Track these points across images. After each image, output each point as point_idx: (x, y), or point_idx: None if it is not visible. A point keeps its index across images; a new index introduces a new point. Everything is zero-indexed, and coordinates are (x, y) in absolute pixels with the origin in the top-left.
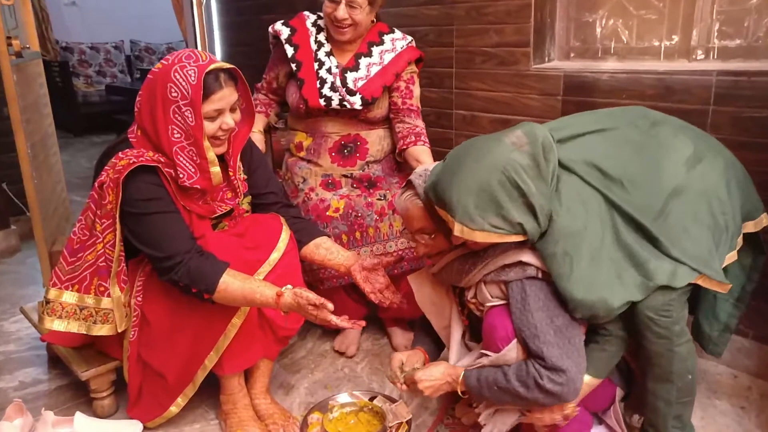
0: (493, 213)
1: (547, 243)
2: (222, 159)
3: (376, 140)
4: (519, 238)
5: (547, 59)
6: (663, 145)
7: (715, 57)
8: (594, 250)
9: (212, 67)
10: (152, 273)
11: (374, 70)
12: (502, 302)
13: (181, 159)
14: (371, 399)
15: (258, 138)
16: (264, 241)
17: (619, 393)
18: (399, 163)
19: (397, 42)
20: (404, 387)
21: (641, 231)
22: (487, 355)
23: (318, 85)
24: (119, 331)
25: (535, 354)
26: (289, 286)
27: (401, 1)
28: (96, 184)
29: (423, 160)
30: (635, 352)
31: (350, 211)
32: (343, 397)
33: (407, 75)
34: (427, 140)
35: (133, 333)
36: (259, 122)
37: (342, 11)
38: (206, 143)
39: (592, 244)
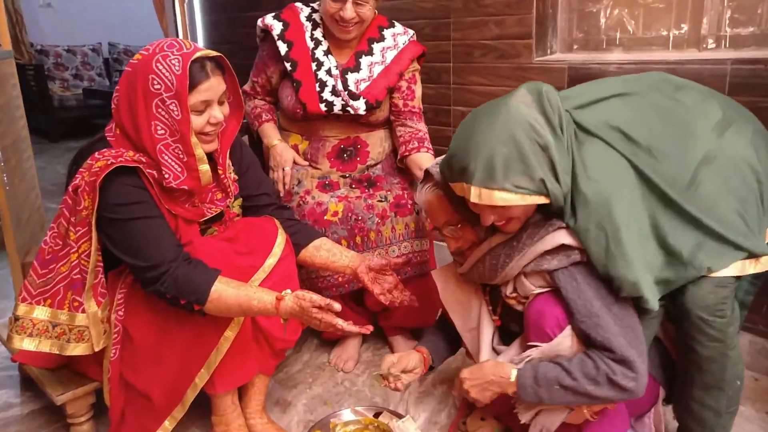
0: (516, 170)
1: (578, 218)
2: (210, 158)
3: (377, 142)
4: (542, 200)
5: (549, 51)
6: (690, 110)
7: (727, 45)
8: (628, 221)
9: (198, 55)
10: (134, 284)
11: (377, 70)
12: (548, 289)
13: (166, 158)
14: (376, 415)
15: (292, 153)
16: (258, 246)
17: (661, 393)
18: (400, 161)
19: (398, 37)
20: (393, 385)
21: (672, 206)
22: (535, 346)
23: (318, 89)
24: (96, 350)
25: (600, 345)
26: (289, 291)
27: None
28: (70, 189)
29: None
30: (680, 357)
31: (350, 214)
32: (346, 414)
33: (409, 74)
34: (430, 146)
35: (114, 351)
36: (274, 132)
37: (350, 11)
38: (194, 139)
39: (625, 214)
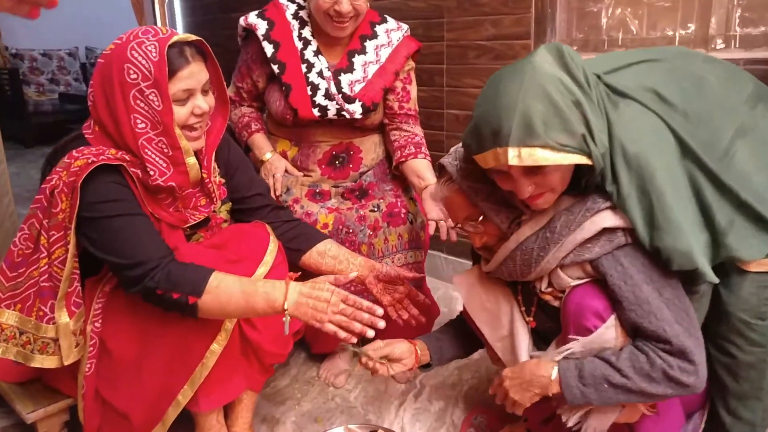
0: (555, 126)
1: (620, 183)
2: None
3: (370, 147)
4: (584, 160)
5: None
6: (721, 80)
7: (737, 46)
8: (672, 186)
9: (175, 39)
10: (113, 293)
11: (371, 70)
12: (587, 279)
13: (150, 153)
14: None
15: (285, 163)
16: (248, 254)
17: None
18: (393, 167)
19: (392, 34)
20: (369, 365)
21: (709, 175)
22: (575, 340)
23: (309, 92)
24: (66, 363)
25: (654, 336)
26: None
27: None
28: (46, 189)
29: (425, 176)
30: (712, 363)
31: (340, 227)
32: None
33: (404, 74)
34: (427, 152)
35: (89, 366)
36: (265, 143)
37: (346, 4)
38: (178, 130)
39: (668, 178)
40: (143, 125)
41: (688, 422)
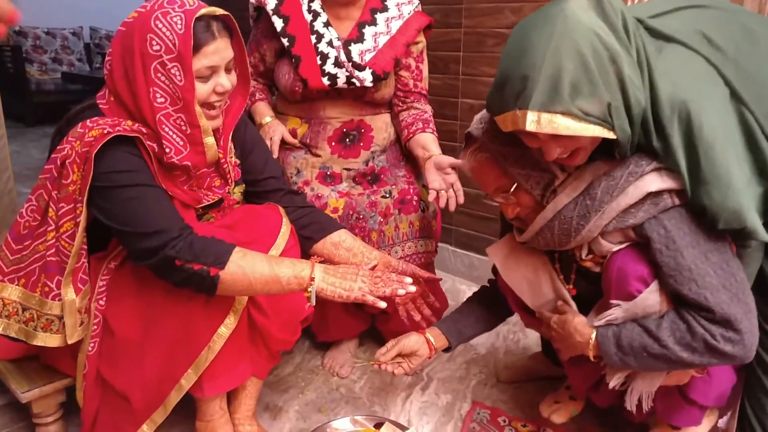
0: (584, 91)
1: (665, 137)
2: None
3: (382, 126)
4: (604, 132)
5: None
6: None
7: None
8: (723, 138)
9: (202, 12)
10: (119, 270)
11: (382, 40)
12: (627, 244)
13: (167, 130)
14: (377, 426)
15: (283, 128)
16: (260, 236)
17: None
18: (405, 153)
19: (403, 7)
20: (390, 370)
21: (762, 127)
22: (617, 305)
23: (319, 62)
24: (70, 342)
25: (695, 304)
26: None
27: None
28: (56, 159)
29: (431, 148)
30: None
31: (351, 212)
32: (344, 424)
33: (417, 51)
34: (434, 128)
35: (92, 345)
36: (267, 110)
37: None
38: (198, 108)
39: (718, 129)
40: (162, 100)
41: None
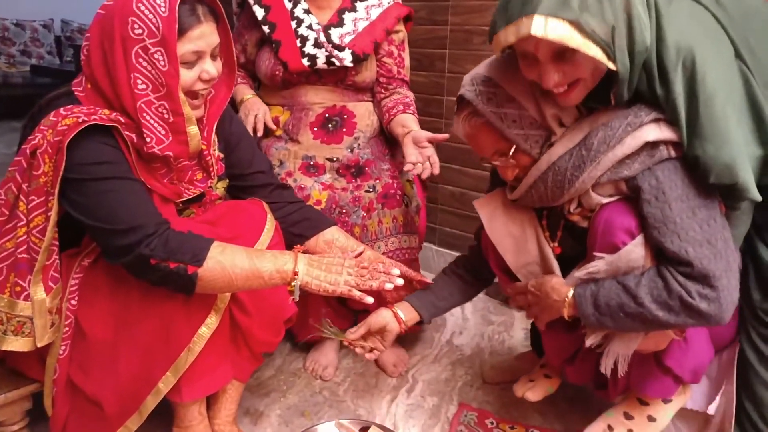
0: (592, 5)
1: (668, 83)
2: None
3: (364, 113)
4: (605, 58)
5: None
6: None
7: None
8: (724, 91)
9: None
10: (92, 268)
11: (362, 25)
12: (619, 197)
13: (148, 118)
14: (362, 430)
15: (266, 108)
16: (243, 232)
17: None
18: (391, 146)
19: None
20: (359, 351)
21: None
22: (600, 257)
23: (299, 44)
24: (39, 345)
25: (675, 257)
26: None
27: None
28: (27, 149)
29: (409, 125)
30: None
31: (334, 205)
32: (328, 428)
33: (398, 40)
34: (415, 111)
35: (63, 348)
36: (247, 90)
37: None
38: (182, 96)
39: (721, 81)
40: (144, 86)
41: (718, 356)
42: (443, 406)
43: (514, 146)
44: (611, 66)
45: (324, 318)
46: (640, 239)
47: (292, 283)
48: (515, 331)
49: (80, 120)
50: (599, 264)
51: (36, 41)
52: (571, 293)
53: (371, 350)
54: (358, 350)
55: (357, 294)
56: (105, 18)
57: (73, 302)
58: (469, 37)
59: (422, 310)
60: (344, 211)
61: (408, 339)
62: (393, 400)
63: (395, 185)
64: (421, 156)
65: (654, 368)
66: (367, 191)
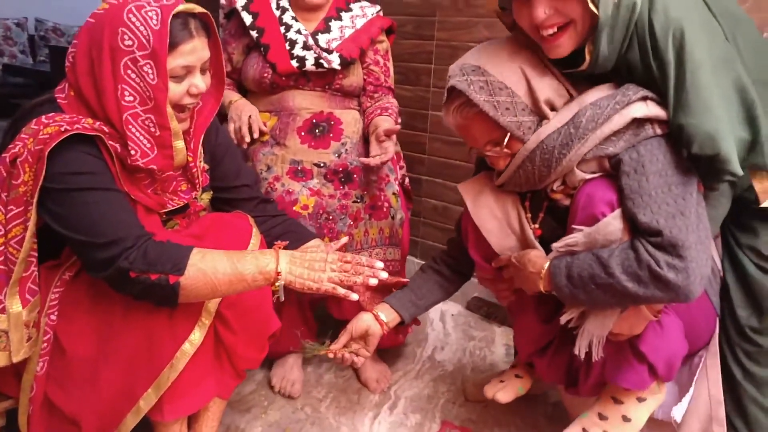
0: None
1: (658, 51)
2: None
3: (351, 121)
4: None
5: None
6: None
7: None
8: (713, 65)
9: (180, 8)
10: (73, 282)
11: (348, 32)
12: (601, 174)
13: (134, 131)
14: None
15: (247, 103)
16: (229, 246)
17: (718, 331)
18: None
19: (366, 9)
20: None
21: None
22: (579, 230)
23: (288, 47)
24: (15, 360)
25: (647, 228)
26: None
27: None
28: (6, 158)
29: (382, 124)
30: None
31: (321, 211)
32: None
33: (383, 50)
34: (394, 114)
35: (41, 365)
36: (234, 94)
37: None
38: (169, 110)
39: (709, 54)
40: (131, 98)
41: (688, 362)
42: (426, 424)
43: (509, 134)
44: (594, 10)
45: (301, 339)
46: (618, 212)
47: (276, 284)
48: (496, 346)
49: (62, 129)
50: (578, 236)
51: (9, 39)
52: (547, 265)
53: (356, 356)
54: (346, 356)
55: (341, 291)
56: (94, 26)
57: (53, 317)
58: (455, 53)
59: (402, 311)
60: (331, 217)
61: (390, 354)
62: (376, 417)
63: (382, 197)
64: (380, 151)
65: (629, 355)
66: (354, 201)
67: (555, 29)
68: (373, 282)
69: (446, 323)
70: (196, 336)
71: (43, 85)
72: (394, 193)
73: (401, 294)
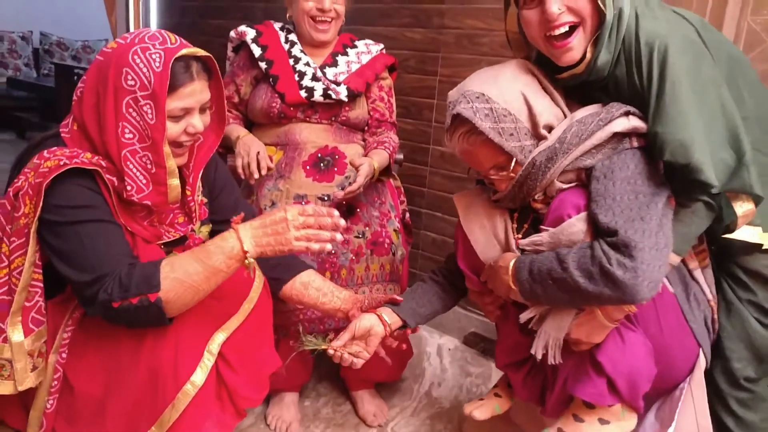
0: None
1: (640, 67)
2: (179, 173)
3: (355, 155)
4: None
5: None
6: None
7: None
8: (693, 82)
9: (183, 52)
10: (83, 322)
11: (354, 67)
12: (576, 184)
13: (131, 167)
14: None
15: (255, 138)
16: (233, 289)
17: (702, 362)
18: (379, 194)
19: (371, 46)
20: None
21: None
22: (546, 230)
23: (297, 78)
24: (20, 389)
25: (605, 228)
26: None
27: (378, 21)
28: (10, 191)
29: (374, 156)
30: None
31: None
32: None
33: (387, 86)
34: (390, 148)
35: (50, 402)
36: (240, 129)
37: (328, 1)
38: (166, 149)
39: (689, 74)
40: (131, 136)
41: (671, 393)
42: None
43: (514, 159)
44: (603, 8)
45: (301, 333)
46: (583, 215)
47: (246, 262)
48: (493, 383)
49: (62, 163)
50: (543, 235)
51: (13, 53)
52: (514, 260)
53: (355, 357)
54: (345, 356)
55: (315, 247)
56: (102, 65)
57: (64, 355)
58: None
59: (405, 315)
60: (333, 251)
61: (387, 390)
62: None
63: (384, 234)
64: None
65: (587, 365)
66: (357, 236)
67: (566, 28)
68: (339, 238)
69: (443, 358)
70: (198, 377)
71: (46, 99)
72: (395, 230)
73: (402, 303)
